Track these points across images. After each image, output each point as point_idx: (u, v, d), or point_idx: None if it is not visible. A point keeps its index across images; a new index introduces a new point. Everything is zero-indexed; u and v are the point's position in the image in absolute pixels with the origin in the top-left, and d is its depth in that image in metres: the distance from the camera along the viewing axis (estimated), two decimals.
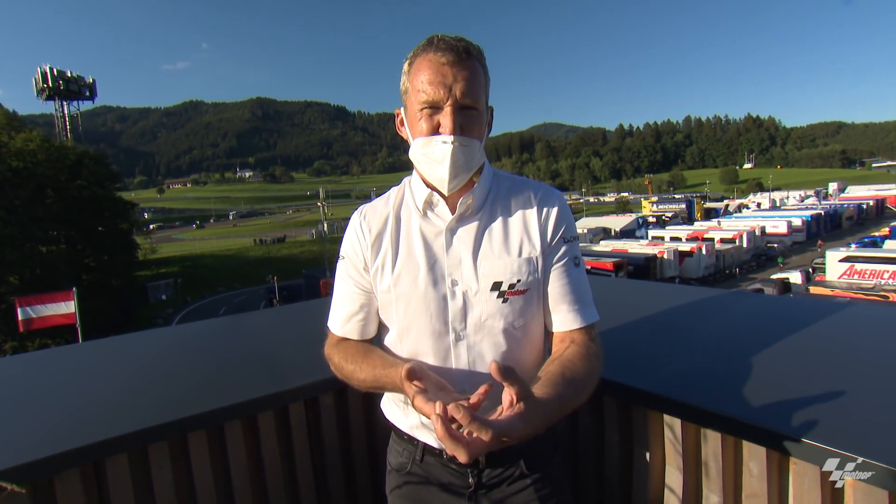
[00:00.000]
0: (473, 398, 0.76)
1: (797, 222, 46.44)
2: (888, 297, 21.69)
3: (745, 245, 39.12)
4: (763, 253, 41.43)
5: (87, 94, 75.27)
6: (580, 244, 1.05)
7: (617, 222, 66.20)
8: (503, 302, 0.96)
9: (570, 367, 0.87)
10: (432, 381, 0.87)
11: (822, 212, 52.03)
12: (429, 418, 0.74)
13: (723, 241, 39.19)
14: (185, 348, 1.96)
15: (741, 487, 1.10)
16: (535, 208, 1.00)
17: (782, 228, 44.74)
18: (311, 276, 34.44)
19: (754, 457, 1.06)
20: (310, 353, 1.63)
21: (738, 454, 1.11)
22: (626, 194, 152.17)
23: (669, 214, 73.82)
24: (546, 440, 1.06)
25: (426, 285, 0.97)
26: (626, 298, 2.31)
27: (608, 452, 1.34)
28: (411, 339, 1.00)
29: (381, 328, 1.08)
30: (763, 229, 43.52)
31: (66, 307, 12.14)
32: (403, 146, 1.02)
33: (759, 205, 72.31)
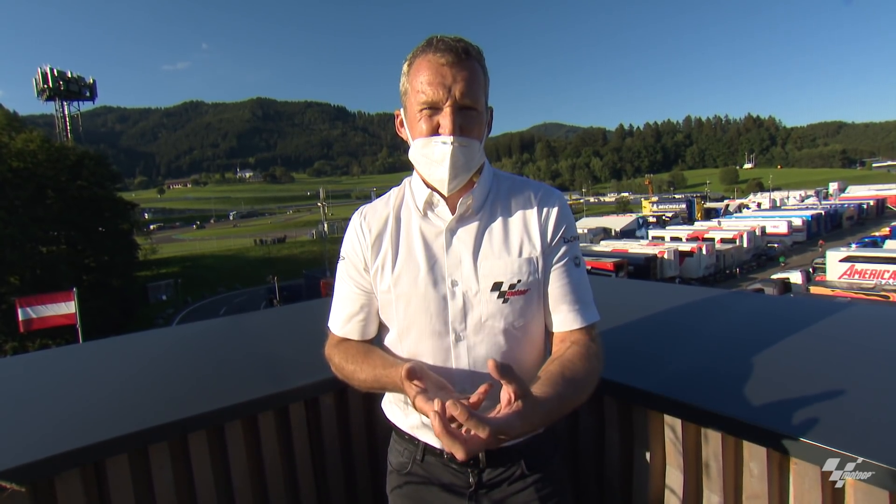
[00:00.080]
0: (473, 397, 0.76)
1: (797, 222, 46.46)
2: (888, 297, 21.68)
3: (745, 245, 39.12)
4: (763, 253, 41.40)
5: (88, 94, 75.35)
6: (580, 244, 1.05)
7: (617, 222, 66.18)
8: (503, 302, 0.96)
9: (570, 367, 0.87)
10: (433, 381, 0.87)
11: (823, 212, 52.04)
12: (429, 417, 0.74)
13: (723, 241, 39.19)
14: (186, 349, 1.95)
15: (742, 487, 1.10)
16: (536, 208, 1.00)
17: (783, 228, 44.74)
18: (311, 277, 34.47)
19: (755, 457, 1.06)
20: (310, 353, 1.63)
21: (738, 454, 1.11)
22: (626, 194, 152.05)
23: (670, 214, 73.81)
24: (546, 440, 1.06)
25: (426, 286, 0.97)
26: (627, 298, 2.31)
27: (608, 452, 1.34)
28: (411, 340, 1.00)
29: (382, 328, 1.08)
30: (763, 229, 43.53)
31: (67, 308, 12.17)
32: (403, 146, 1.01)
33: (759, 205, 72.30)
